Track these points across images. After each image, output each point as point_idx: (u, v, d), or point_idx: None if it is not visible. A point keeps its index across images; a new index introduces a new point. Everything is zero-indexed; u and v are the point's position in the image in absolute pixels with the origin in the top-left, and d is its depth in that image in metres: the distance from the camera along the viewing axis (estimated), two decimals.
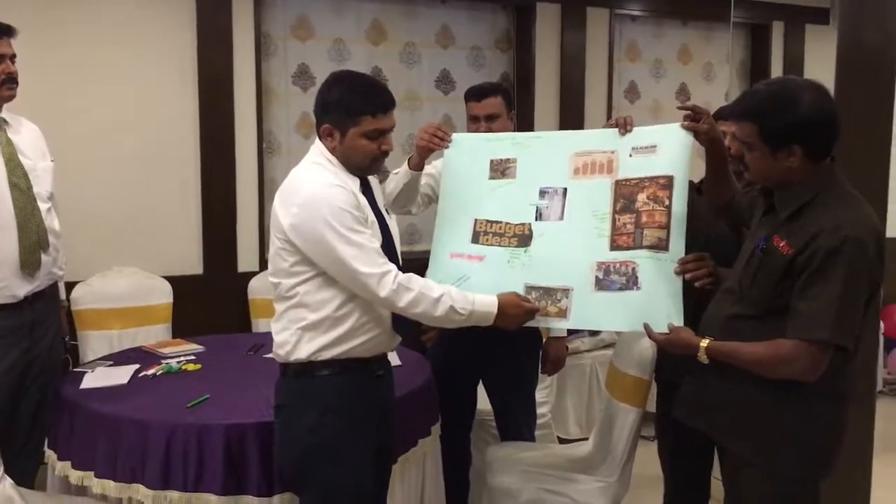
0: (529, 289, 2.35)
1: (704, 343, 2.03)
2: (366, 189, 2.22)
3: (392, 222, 2.31)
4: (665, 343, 2.16)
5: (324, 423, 2.13)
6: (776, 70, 5.41)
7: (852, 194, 1.97)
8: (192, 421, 2.34)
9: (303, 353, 2.12)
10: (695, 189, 2.42)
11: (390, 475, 2.46)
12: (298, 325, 2.12)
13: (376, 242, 2.13)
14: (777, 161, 1.94)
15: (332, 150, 2.16)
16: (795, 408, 1.97)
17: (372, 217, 2.16)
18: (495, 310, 2.20)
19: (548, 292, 2.34)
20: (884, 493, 3.15)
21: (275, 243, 2.14)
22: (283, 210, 2.10)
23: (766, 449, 2.01)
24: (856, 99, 2.78)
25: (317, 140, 2.20)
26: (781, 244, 1.94)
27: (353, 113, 2.12)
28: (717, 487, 2.41)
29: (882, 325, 4.55)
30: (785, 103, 1.91)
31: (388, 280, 2.07)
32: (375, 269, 2.06)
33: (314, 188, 2.08)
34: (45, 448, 2.61)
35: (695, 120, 2.24)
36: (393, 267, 2.11)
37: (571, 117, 4.83)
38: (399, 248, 2.32)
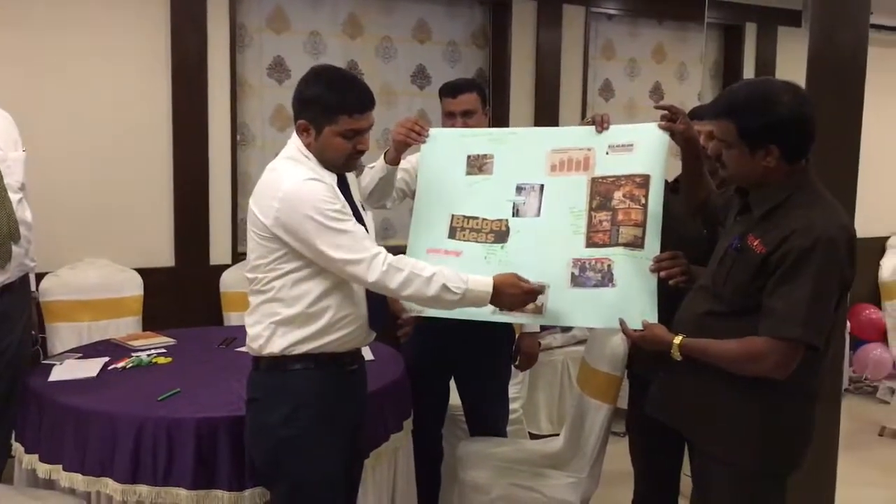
0: None
1: (678, 340, 2.05)
2: (342, 185, 2.20)
3: (368, 218, 2.31)
4: (639, 339, 2.17)
5: (296, 417, 2.12)
6: (748, 71, 5.47)
7: (825, 195, 2.00)
8: (162, 414, 2.32)
9: (276, 347, 2.12)
10: (669, 188, 2.43)
11: (362, 470, 2.46)
12: (272, 320, 2.12)
13: (362, 228, 2.12)
14: (754, 160, 1.96)
15: (308, 146, 2.15)
16: (764, 405, 1.99)
17: (349, 212, 2.14)
18: (491, 289, 2.16)
19: None
20: (848, 490, 3.20)
21: (253, 238, 2.12)
22: (263, 206, 2.08)
23: (734, 445, 2.03)
24: (826, 100, 2.80)
25: (294, 135, 2.19)
26: (755, 243, 1.96)
27: (329, 112, 2.10)
28: (686, 484, 2.43)
29: (848, 324, 4.63)
30: (764, 103, 1.94)
31: (377, 263, 2.05)
32: (364, 254, 2.05)
33: (293, 183, 2.06)
34: (13, 441, 2.58)
35: (671, 120, 2.26)
36: (382, 249, 2.09)
37: (546, 114, 4.84)
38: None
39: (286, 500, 2.18)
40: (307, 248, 2.05)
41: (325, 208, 2.04)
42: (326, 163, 2.16)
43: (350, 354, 2.23)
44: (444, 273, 2.12)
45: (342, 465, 2.23)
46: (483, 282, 2.16)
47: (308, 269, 2.09)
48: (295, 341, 2.11)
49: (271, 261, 2.09)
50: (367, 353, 2.95)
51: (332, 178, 2.15)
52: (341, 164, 2.18)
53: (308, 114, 2.13)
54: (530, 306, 2.32)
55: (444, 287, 2.10)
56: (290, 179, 2.07)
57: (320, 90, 2.12)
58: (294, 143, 2.18)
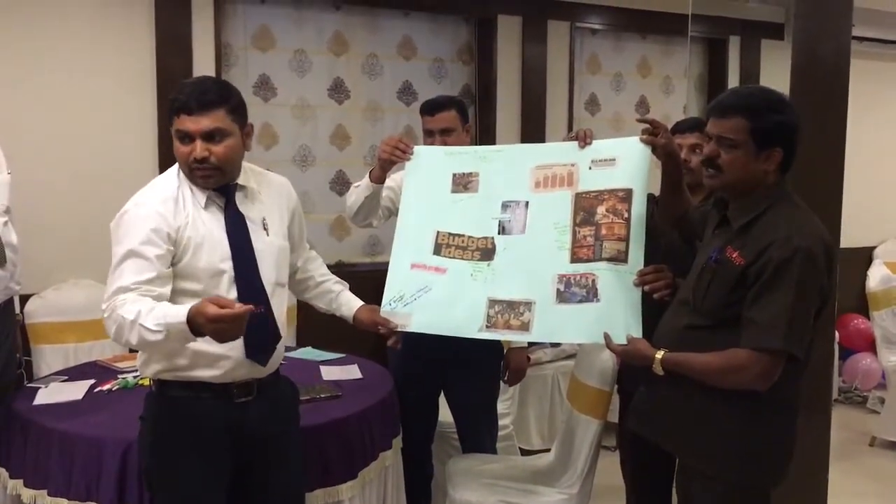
0: (492, 302, 2.36)
1: (659, 355, 2.05)
2: (229, 202, 2.08)
3: (267, 244, 2.12)
4: (622, 354, 2.18)
5: (160, 445, 2.07)
6: (733, 84, 5.48)
7: (802, 206, 2.02)
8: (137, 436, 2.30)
9: (150, 371, 2.08)
10: (654, 202, 2.44)
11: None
12: None
13: (136, 267, 1.93)
14: (757, 162, 1.98)
15: None
16: (745, 417, 2.00)
17: (200, 235, 2.02)
18: (184, 319, 1.80)
19: (511, 306, 2.35)
20: (839, 500, 3.19)
21: None
22: None
23: (716, 458, 2.03)
24: (810, 112, 2.82)
25: None
26: (734, 255, 1.97)
27: (170, 112, 2.00)
28: None
29: (836, 334, 4.63)
30: (778, 105, 1.98)
31: (103, 308, 1.91)
32: (106, 290, 1.94)
33: (124, 209, 2.02)
34: None
35: (653, 134, 2.27)
36: (122, 294, 1.89)
37: (533, 129, 4.85)
38: (270, 276, 2.11)
39: None
40: None
41: (122, 239, 1.97)
42: (186, 174, 2.05)
43: (242, 385, 2.08)
44: (151, 314, 1.84)
45: (218, 499, 2.09)
46: (179, 313, 1.82)
47: (168, 295, 1.98)
48: (163, 368, 2.04)
49: None
50: (356, 372, 2.97)
51: (198, 198, 2.05)
52: (188, 174, 2.04)
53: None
54: (516, 322, 2.32)
55: (144, 328, 1.82)
56: (126, 204, 2.03)
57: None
58: None
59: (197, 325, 1.80)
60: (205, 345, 1.95)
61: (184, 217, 2.02)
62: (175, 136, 2.01)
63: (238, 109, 2.05)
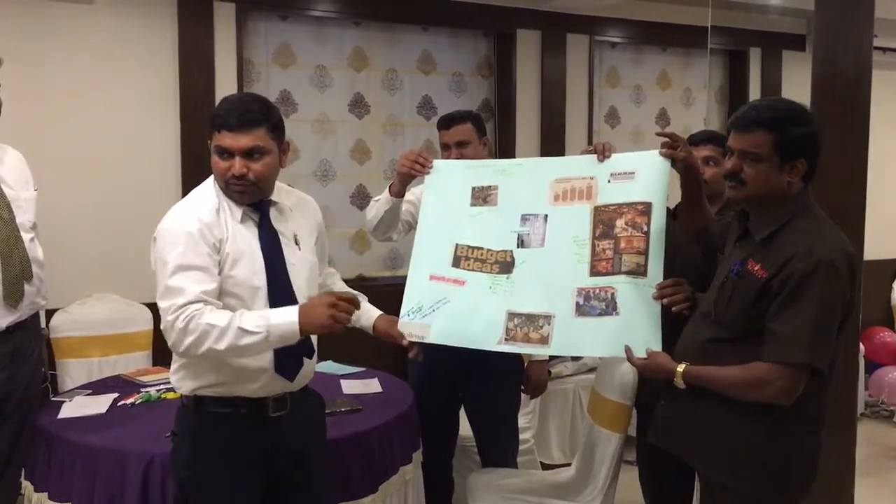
0: (511, 315, 2.36)
1: (680, 368, 2.04)
2: (263, 218, 2.10)
3: (299, 261, 2.15)
4: (643, 368, 2.16)
5: (197, 460, 2.08)
6: (754, 95, 5.47)
7: (824, 218, 2.01)
8: (170, 451, 2.31)
9: (186, 388, 2.09)
10: (671, 214, 2.43)
11: None
12: (181, 361, 2.09)
13: (192, 278, 1.95)
14: (781, 175, 1.97)
15: None
16: (768, 431, 1.98)
17: (239, 249, 2.04)
18: (296, 316, 1.93)
19: (530, 319, 2.34)
20: None
21: None
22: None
23: (738, 472, 2.01)
24: (832, 122, 2.80)
25: None
26: (756, 268, 1.96)
27: (209, 126, 2.04)
28: None
29: (862, 347, 4.58)
30: (800, 116, 1.97)
31: (171, 320, 1.92)
32: (166, 303, 1.95)
33: (166, 221, 2.04)
34: (23, 479, 2.57)
35: (672, 147, 2.26)
36: (193, 305, 1.92)
37: (552, 142, 4.86)
38: (303, 291, 2.12)
39: None
40: None
41: (172, 246, 1.97)
42: (222, 188, 2.08)
43: (277, 400, 2.11)
44: (244, 317, 1.93)
45: None
46: (285, 311, 1.96)
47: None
48: (200, 385, 2.07)
49: None
50: (376, 386, 2.97)
51: (235, 213, 2.07)
52: (224, 188, 2.07)
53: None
54: (535, 335, 2.32)
55: (241, 330, 1.91)
56: (169, 216, 2.05)
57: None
58: None
59: (312, 311, 1.93)
60: (247, 359, 2.02)
61: (226, 230, 2.06)
62: (214, 151, 2.04)
63: (277, 128, 2.09)
